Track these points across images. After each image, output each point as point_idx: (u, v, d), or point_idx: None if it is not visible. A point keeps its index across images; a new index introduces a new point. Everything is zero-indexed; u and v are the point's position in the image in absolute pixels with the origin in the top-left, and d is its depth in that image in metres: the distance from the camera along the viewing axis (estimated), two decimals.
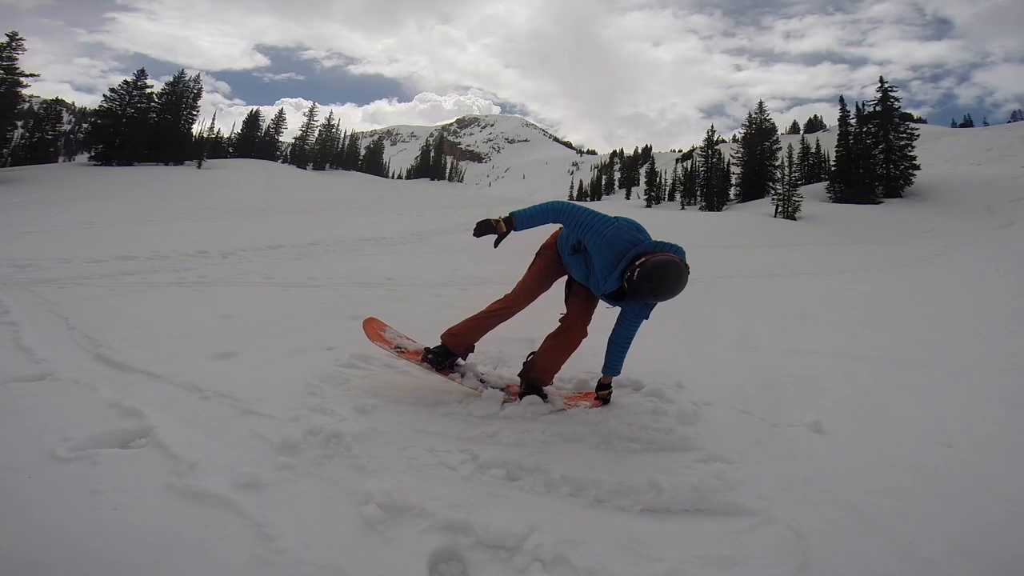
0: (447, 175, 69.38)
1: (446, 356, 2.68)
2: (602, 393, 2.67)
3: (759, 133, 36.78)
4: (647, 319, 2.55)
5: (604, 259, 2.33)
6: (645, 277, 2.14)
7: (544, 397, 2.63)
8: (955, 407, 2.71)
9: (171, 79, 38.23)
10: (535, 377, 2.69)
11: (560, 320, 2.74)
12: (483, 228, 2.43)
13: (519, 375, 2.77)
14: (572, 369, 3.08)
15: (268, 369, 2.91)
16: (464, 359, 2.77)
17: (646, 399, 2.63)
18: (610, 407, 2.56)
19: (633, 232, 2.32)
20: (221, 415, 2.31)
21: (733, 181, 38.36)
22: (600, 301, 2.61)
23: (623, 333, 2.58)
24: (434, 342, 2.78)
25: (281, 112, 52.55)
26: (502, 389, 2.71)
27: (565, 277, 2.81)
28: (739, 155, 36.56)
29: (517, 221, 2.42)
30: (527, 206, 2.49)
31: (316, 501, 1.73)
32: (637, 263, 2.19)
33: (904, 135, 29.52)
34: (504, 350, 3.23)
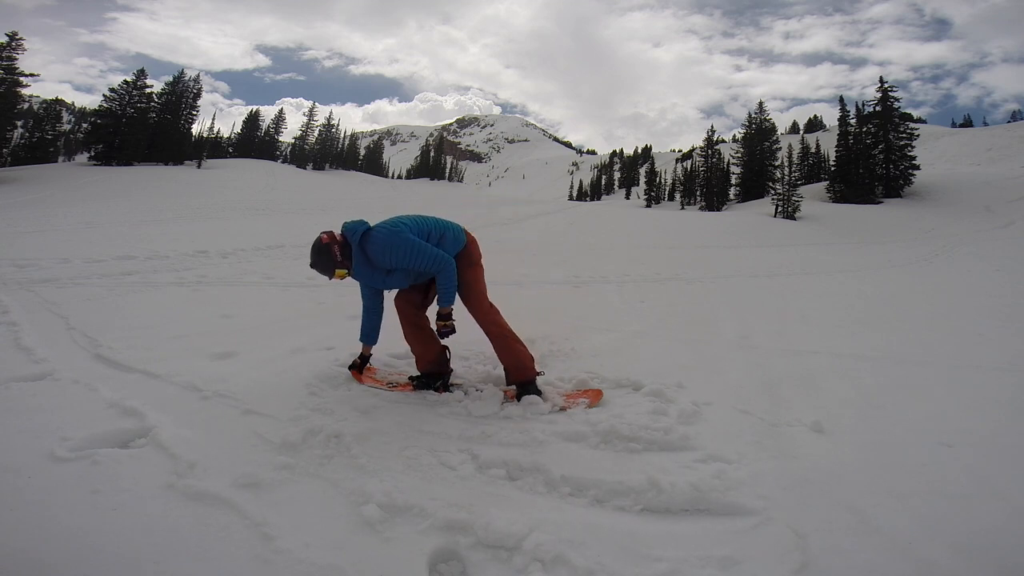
0: (447, 175, 69.25)
1: (432, 379, 2.77)
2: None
3: (759, 133, 36.74)
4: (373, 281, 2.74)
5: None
6: None
7: (539, 393, 2.63)
8: (955, 407, 2.70)
9: (171, 79, 38.26)
10: (517, 379, 2.69)
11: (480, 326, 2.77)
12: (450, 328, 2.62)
13: (507, 384, 2.77)
14: (572, 369, 3.09)
15: (268, 369, 2.92)
16: (450, 372, 2.83)
17: (646, 399, 2.62)
18: (611, 407, 2.55)
19: None
20: (221, 415, 2.31)
21: (733, 181, 38.33)
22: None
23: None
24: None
25: (281, 112, 52.52)
26: (503, 392, 2.72)
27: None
28: (739, 155, 36.53)
29: (446, 302, 2.62)
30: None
31: (316, 501, 1.73)
32: None
33: (904, 135, 29.49)
34: None
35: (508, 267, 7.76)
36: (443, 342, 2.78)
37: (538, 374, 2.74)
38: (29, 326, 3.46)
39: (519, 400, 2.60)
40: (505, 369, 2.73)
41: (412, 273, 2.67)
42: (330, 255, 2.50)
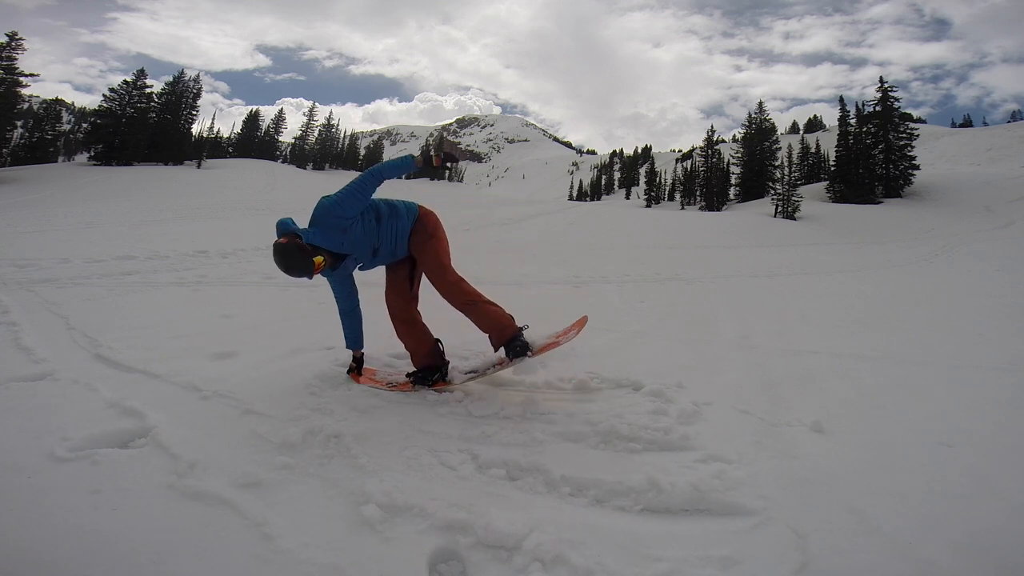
0: (447, 175, 69.24)
1: (430, 372, 2.77)
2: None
3: (759, 133, 36.75)
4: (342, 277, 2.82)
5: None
6: None
7: (527, 346, 2.61)
8: (955, 407, 2.70)
9: (171, 79, 38.30)
10: (501, 340, 2.66)
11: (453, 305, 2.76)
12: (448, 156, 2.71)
13: (497, 352, 2.76)
14: (571, 369, 3.08)
15: (268, 369, 2.92)
16: (447, 364, 2.82)
17: (646, 399, 2.62)
18: (610, 406, 2.55)
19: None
20: (221, 415, 2.31)
21: (733, 181, 38.34)
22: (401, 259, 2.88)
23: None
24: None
25: (281, 112, 52.49)
26: (495, 365, 2.73)
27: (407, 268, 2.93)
28: (739, 155, 36.54)
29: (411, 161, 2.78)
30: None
31: (316, 501, 1.73)
32: None
33: (904, 135, 29.49)
34: None
35: (508, 267, 7.76)
36: (436, 335, 2.80)
37: (522, 328, 2.67)
38: (29, 326, 3.46)
39: (512, 360, 2.60)
40: (489, 338, 2.70)
41: (372, 226, 2.64)
42: (300, 249, 2.37)
